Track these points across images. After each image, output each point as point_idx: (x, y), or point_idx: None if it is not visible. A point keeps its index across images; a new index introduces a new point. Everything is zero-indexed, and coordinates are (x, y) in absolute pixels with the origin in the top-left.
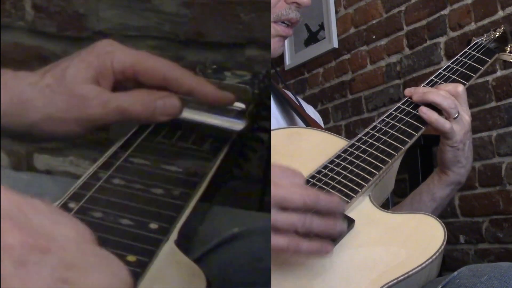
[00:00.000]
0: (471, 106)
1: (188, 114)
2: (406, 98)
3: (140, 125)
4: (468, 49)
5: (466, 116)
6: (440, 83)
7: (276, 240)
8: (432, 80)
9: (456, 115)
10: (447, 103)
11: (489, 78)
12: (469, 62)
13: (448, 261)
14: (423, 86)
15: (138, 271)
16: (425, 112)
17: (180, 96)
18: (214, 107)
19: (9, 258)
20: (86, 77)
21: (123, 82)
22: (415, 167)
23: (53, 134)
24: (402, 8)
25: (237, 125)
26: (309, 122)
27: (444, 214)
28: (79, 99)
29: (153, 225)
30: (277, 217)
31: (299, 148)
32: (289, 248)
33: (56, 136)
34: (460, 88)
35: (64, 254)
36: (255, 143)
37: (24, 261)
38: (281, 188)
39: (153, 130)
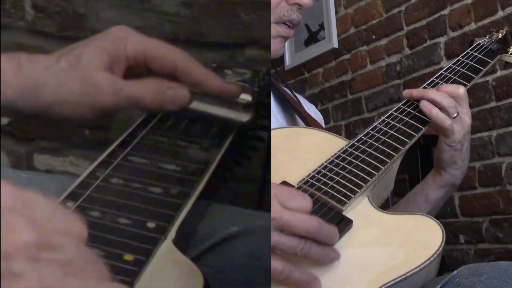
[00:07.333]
0: (471, 106)
1: (194, 105)
2: (407, 99)
3: (139, 123)
4: (470, 50)
5: (466, 117)
6: (441, 84)
7: (273, 263)
8: (433, 81)
9: (455, 114)
10: (446, 101)
11: (489, 78)
12: (471, 63)
13: (448, 261)
14: (423, 87)
15: (135, 270)
16: (426, 106)
17: (189, 87)
18: (220, 99)
19: (24, 255)
20: (100, 63)
21: (135, 68)
22: (415, 167)
23: (65, 118)
24: (402, 8)
25: (243, 117)
26: (309, 122)
27: (444, 214)
28: (93, 86)
29: (151, 224)
30: (277, 239)
31: (299, 148)
32: (282, 274)
33: (68, 119)
34: (461, 89)
35: (64, 254)
36: (255, 141)
37: (38, 258)
38: (287, 211)
39: (153, 126)
